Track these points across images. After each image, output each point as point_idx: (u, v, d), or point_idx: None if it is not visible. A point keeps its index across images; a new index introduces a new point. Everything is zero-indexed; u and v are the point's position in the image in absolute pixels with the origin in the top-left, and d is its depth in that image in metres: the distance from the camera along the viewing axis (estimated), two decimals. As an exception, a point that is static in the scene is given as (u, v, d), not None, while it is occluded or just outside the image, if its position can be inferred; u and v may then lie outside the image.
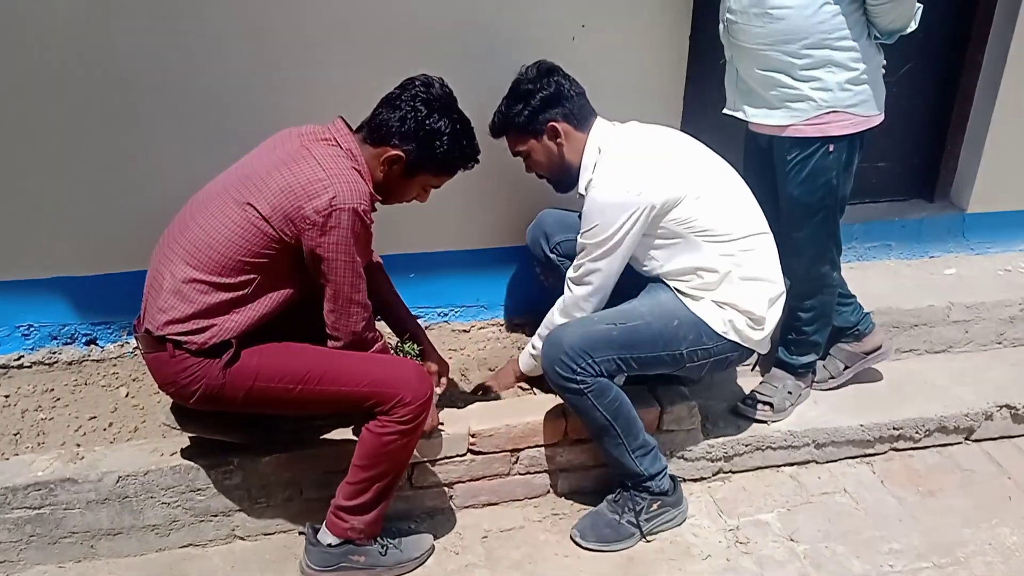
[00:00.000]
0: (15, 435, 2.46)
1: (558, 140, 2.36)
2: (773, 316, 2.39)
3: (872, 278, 3.25)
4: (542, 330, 2.49)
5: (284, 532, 2.37)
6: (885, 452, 2.79)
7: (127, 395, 2.64)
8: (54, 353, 2.72)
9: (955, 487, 2.67)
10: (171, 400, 2.15)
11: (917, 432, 2.78)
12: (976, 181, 3.34)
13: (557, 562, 2.34)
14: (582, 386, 2.23)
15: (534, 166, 2.46)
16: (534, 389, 2.69)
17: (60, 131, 2.51)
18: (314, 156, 1.98)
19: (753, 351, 2.42)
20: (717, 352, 2.35)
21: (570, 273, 2.39)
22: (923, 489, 2.66)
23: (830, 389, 2.87)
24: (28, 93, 2.44)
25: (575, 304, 2.39)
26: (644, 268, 2.40)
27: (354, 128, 2.10)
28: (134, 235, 2.60)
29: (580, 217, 2.36)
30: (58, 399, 2.61)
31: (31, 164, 2.53)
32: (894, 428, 2.75)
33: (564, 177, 2.44)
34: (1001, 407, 2.83)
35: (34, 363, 2.70)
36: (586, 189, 2.33)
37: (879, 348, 2.86)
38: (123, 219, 2.63)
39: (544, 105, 2.33)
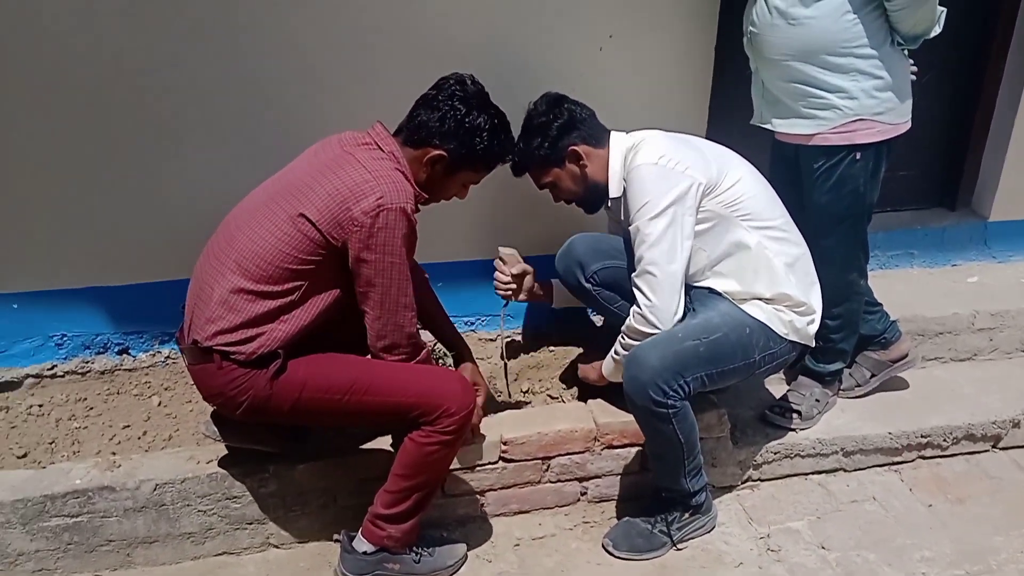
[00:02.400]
0: (50, 444, 2.48)
1: (581, 163, 2.39)
2: (818, 304, 2.42)
3: (895, 286, 3.26)
4: (624, 342, 2.34)
5: (318, 540, 2.38)
6: (913, 460, 2.79)
7: (159, 404, 2.65)
8: (87, 362, 2.74)
9: (984, 495, 2.67)
10: (208, 409, 2.17)
11: (945, 440, 2.78)
12: (998, 190, 3.35)
13: (590, 570, 2.34)
14: (671, 411, 2.19)
15: (562, 194, 2.48)
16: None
17: (94, 142, 2.54)
18: (358, 160, 2.00)
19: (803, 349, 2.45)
20: (780, 355, 2.37)
21: (636, 275, 2.28)
22: (952, 497, 2.66)
23: (857, 397, 2.87)
24: (62, 105, 2.48)
25: (652, 309, 2.24)
26: (695, 269, 2.36)
27: (392, 132, 2.12)
28: (167, 245, 2.65)
29: (628, 227, 2.34)
30: (91, 408, 2.62)
31: (65, 175, 2.56)
32: (922, 436, 2.75)
33: (593, 196, 2.47)
34: (1028, 414, 2.83)
35: (67, 372, 2.73)
36: (626, 180, 2.33)
37: (906, 356, 2.86)
38: (156, 230, 2.66)
39: (561, 133, 2.36)
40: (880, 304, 2.83)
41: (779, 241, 2.36)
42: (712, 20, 2.79)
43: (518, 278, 2.67)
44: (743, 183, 2.34)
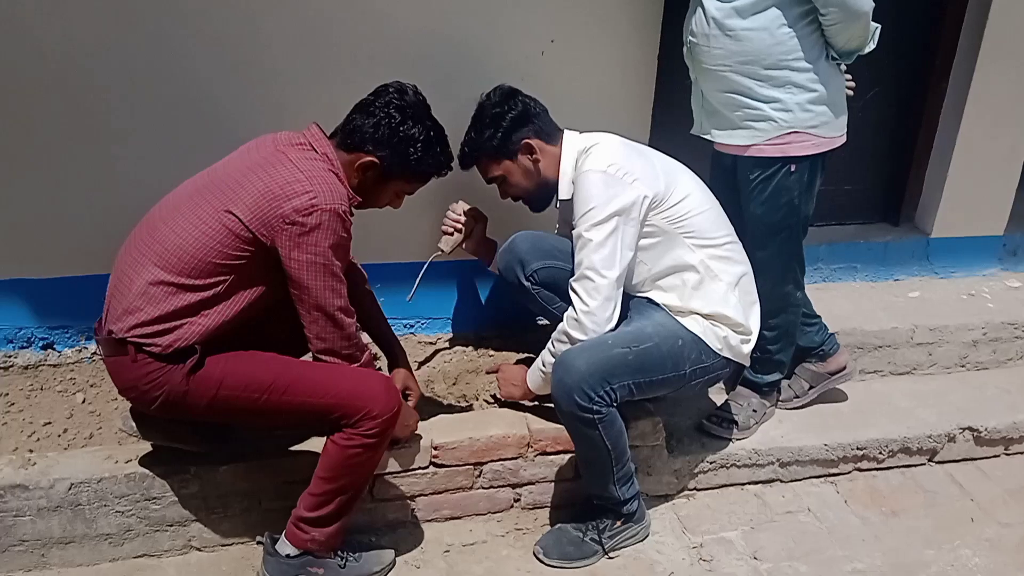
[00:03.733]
0: (-34, 440, 2.40)
1: (534, 156, 2.37)
2: (755, 326, 2.42)
3: (837, 299, 3.29)
4: (555, 348, 2.32)
5: (242, 543, 2.33)
6: (849, 472, 2.80)
7: (84, 401, 2.58)
8: (9, 357, 2.66)
9: (918, 508, 2.69)
10: (129, 406, 2.11)
11: (881, 453, 2.80)
12: (940, 206, 3.40)
13: (519, 577, 2.32)
14: (596, 416, 2.17)
15: (511, 189, 2.44)
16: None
17: (19, 132, 2.47)
18: (291, 159, 1.97)
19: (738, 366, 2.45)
20: (713, 370, 2.36)
21: (574, 279, 2.27)
22: (886, 509, 2.67)
23: (795, 408, 2.88)
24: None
25: (587, 315, 2.22)
26: (636, 280, 2.37)
27: (328, 134, 2.09)
28: (94, 239, 2.59)
29: (570, 224, 2.33)
30: (12, 404, 2.54)
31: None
32: (858, 448, 2.77)
33: (542, 194, 2.44)
34: (964, 429, 2.86)
35: (-12, 367, 2.65)
36: (573, 182, 2.32)
37: (843, 369, 2.88)
38: (84, 222, 2.60)
39: (515, 125, 2.34)
40: (819, 316, 2.84)
41: (722, 260, 2.36)
42: (655, 28, 2.80)
43: (470, 217, 2.65)
44: (691, 199, 2.33)
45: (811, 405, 2.90)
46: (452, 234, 2.65)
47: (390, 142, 2.05)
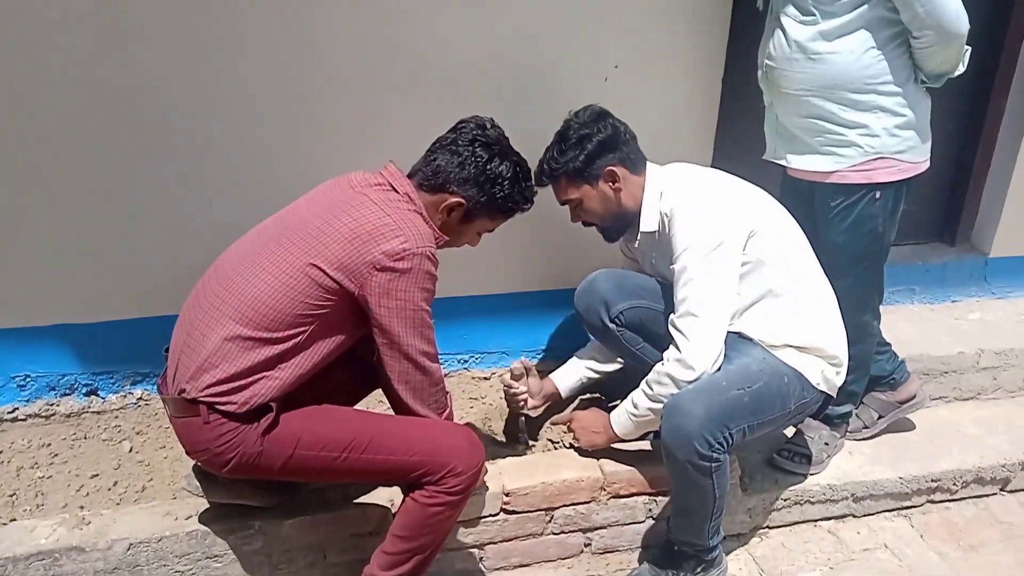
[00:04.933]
0: (11, 496, 2.28)
1: (615, 184, 2.25)
2: (845, 356, 2.31)
3: (898, 323, 3.18)
4: (653, 391, 2.15)
5: (305, 600, 2.21)
6: (922, 504, 2.70)
7: (131, 450, 2.46)
8: (51, 405, 2.54)
9: (995, 541, 2.59)
10: (192, 464, 1.98)
11: (955, 484, 2.70)
12: (999, 225, 3.30)
13: (597, 630, 2.21)
14: (714, 464, 2.04)
15: (585, 214, 2.33)
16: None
17: (63, 176, 2.36)
18: (373, 201, 1.85)
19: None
20: (810, 405, 2.25)
21: (678, 316, 2.13)
22: (963, 543, 2.57)
23: (864, 439, 2.78)
24: (31, 137, 2.30)
25: (694, 356, 2.08)
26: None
27: (406, 173, 1.98)
28: (138, 282, 2.49)
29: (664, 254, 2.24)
30: (56, 455, 2.42)
31: (31, 208, 2.38)
32: (932, 480, 2.66)
33: (618, 224, 2.34)
34: (1038, 456, 2.76)
35: (29, 416, 2.52)
36: (668, 215, 2.20)
37: (914, 397, 2.77)
38: (127, 266, 2.49)
39: (601, 149, 2.22)
40: (889, 344, 2.74)
41: (816, 290, 2.27)
42: (720, 51, 2.70)
43: (517, 378, 2.56)
44: (785, 230, 2.25)
45: (880, 435, 2.80)
46: (522, 405, 2.58)
47: (477, 181, 1.94)
